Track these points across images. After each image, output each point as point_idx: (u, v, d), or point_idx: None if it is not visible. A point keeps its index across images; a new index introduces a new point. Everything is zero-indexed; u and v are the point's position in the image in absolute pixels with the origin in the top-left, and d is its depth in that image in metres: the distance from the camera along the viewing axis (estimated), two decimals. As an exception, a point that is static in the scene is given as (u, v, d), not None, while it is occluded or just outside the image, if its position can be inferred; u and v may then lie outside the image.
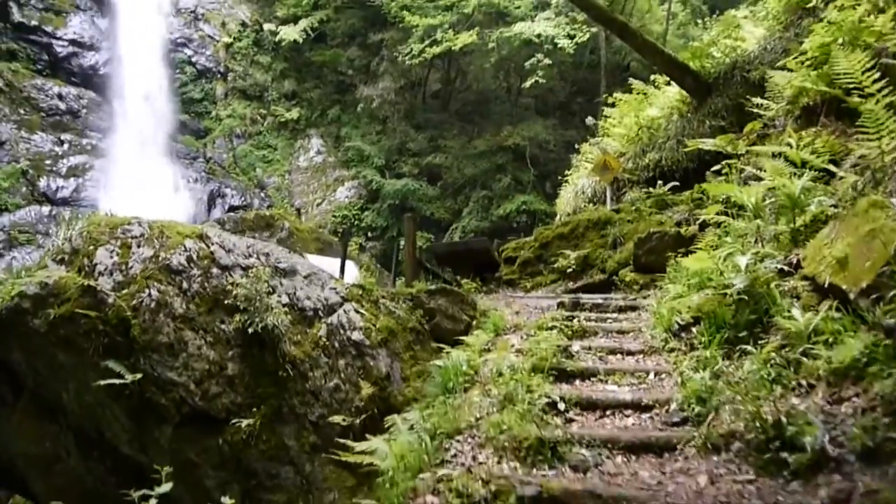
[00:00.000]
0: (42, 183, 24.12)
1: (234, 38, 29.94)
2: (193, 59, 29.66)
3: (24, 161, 23.99)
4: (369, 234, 25.90)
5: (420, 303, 5.94)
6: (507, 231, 23.76)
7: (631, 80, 14.55)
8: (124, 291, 4.89)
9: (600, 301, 6.75)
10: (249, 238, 5.91)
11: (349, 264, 11.94)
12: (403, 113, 27.57)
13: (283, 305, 5.24)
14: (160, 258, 5.08)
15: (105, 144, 26.52)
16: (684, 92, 12.19)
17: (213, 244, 5.37)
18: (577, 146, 15.33)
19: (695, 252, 5.28)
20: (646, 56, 12.66)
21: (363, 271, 12.49)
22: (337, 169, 27.78)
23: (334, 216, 26.33)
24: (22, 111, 25.38)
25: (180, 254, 5.15)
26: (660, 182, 10.29)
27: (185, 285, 5.01)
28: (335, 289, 5.61)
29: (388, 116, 27.65)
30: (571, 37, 20.57)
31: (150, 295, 4.87)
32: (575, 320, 5.62)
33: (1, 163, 23.55)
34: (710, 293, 4.33)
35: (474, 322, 5.93)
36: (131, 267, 4.98)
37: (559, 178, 16.15)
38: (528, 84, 22.05)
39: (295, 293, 5.39)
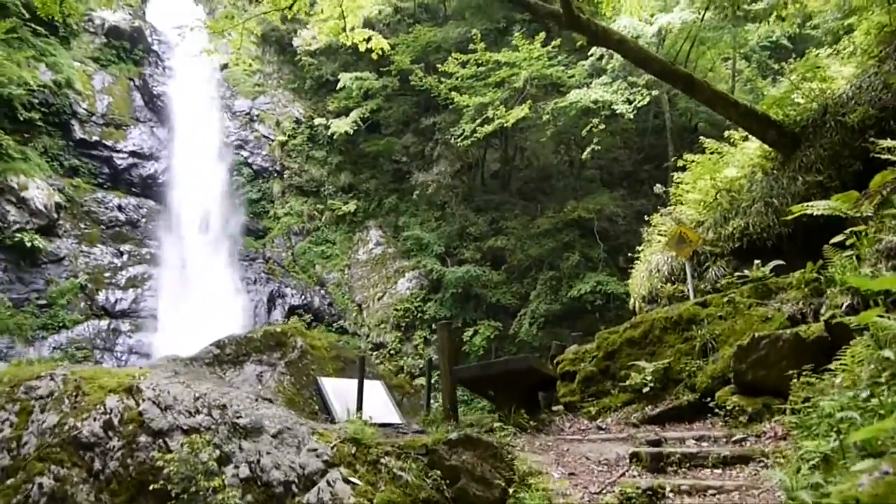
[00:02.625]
0: (101, 296, 23.76)
1: (289, 136, 29.77)
2: (250, 160, 29.55)
3: (83, 275, 23.74)
4: (433, 325, 24.39)
5: (438, 459, 4.36)
6: (581, 313, 21.93)
7: (701, 139, 12.92)
8: (9, 482, 3.54)
9: (692, 445, 4.95)
10: (205, 385, 4.52)
11: (377, 385, 10.41)
12: (462, 196, 26.42)
13: (242, 480, 3.78)
14: (67, 427, 3.75)
15: (164, 253, 26.25)
16: (766, 146, 10.48)
17: (144, 400, 4.01)
18: (647, 217, 13.61)
19: (834, 374, 3.54)
20: (718, 110, 11.04)
21: (396, 392, 10.86)
22: (397, 260, 26.67)
23: (396, 309, 25.03)
24: (83, 225, 25.40)
25: (96, 418, 3.83)
26: (757, 262, 8.08)
27: (97, 464, 3.67)
28: (316, 450, 4.12)
29: (447, 202, 26.54)
30: (630, 101, 19.12)
31: (40, 486, 3.50)
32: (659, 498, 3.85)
33: (60, 279, 23.35)
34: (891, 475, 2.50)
35: (512, 488, 4.28)
36: (25, 443, 3.68)
37: (631, 253, 14.39)
38: (586, 154, 20.57)
39: (259, 461, 3.96)
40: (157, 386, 4.22)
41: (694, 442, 5.11)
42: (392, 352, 24.66)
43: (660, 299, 11.30)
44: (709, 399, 6.30)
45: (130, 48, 29.66)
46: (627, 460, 4.85)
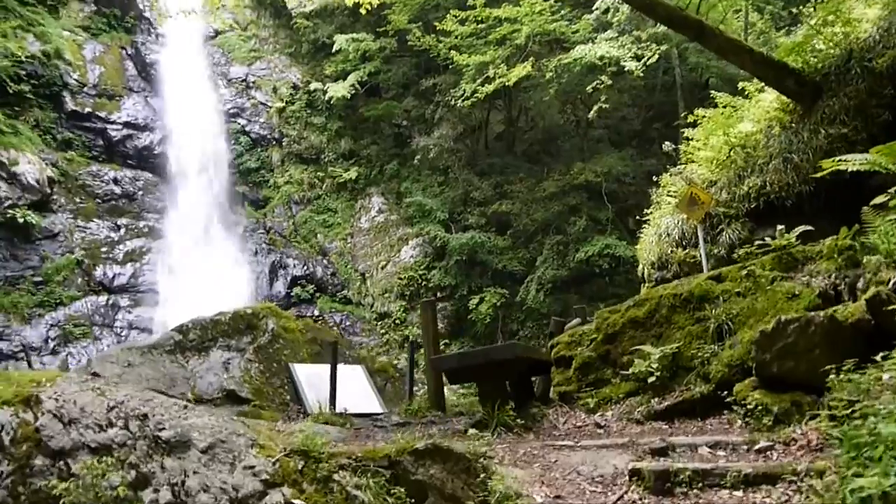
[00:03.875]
0: (98, 272, 23.30)
1: (287, 102, 28.93)
2: (247, 128, 28.78)
3: (80, 251, 23.24)
4: (438, 293, 23.81)
5: (402, 473, 3.72)
6: (590, 277, 21.28)
7: (713, 93, 12.09)
8: None
9: (707, 456, 4.17)
10: (124, 391, 3.89)
11: (357, 370, 9.77)
12: (465, 160, 25.62)
13: (166, 505, 3.16)
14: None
15: (162, 225, 25.71)
16: (784, 98, 9.66)
17: (43, 413, 3.39)
18: (656, 178, 12.83)
19: (882, 368, 2.82)
20: (730, 59, 10.22)
21: (379, 377, 10.17)
22: (400, 227, 26.00)
23: (400, 278, 24.45)
24: (78, 199, 24.84)
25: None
26: (780, 228, 7.06)
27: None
28: (254, 467, 3.49)
29: (450, 166, 25.76)
30: (639, 57, 18.15)
31: None
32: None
33: (56, 255, 22.86)
34: None
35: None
36: None
37: (640, 215, 13.62)
38: (592, 113, 19.67)
39: (183, 483, 3.32)
40: (61, 395, 3.58)
41: (708, 450, 4.33)
42: (397, 321, 24.14)
43: (670, 265, 10.59)
44: (725, 392, 5.39)
45: (122, 15, 28.80)
46: (627, 477, 4.16)
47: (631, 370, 6.42)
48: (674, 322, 6.57)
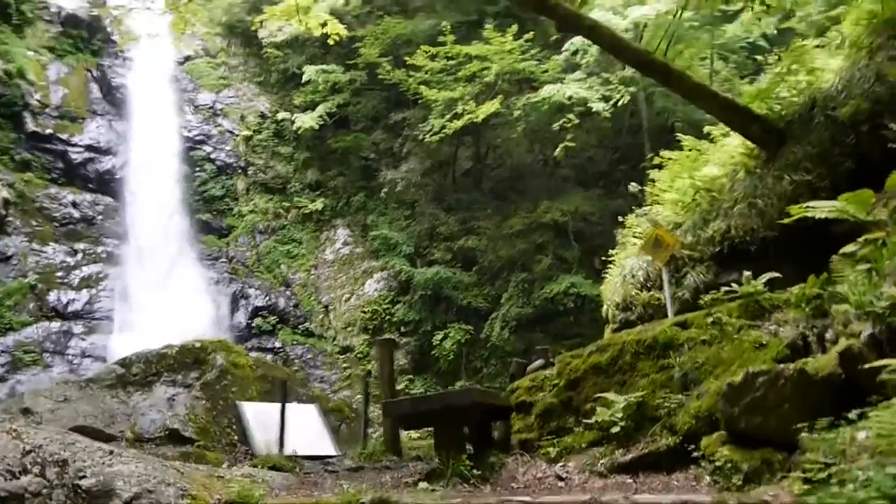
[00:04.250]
0: (52, 297, 22.60)
1: (254, 131, 28.73)
2: (213, 156, 28.44)
3: (33, 275, 22.55)
4: (402, 328, 23.56)
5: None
6: (555, 316, 21.19)
7: (679, 137, 12.17)
8: None
9: None
10: (43, 434, 3.60)
11: (310, 410, 9.43)
12: (432, 195, 25.56)
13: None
14: None
15: (121, 251, 25.13)
16: (749, 143, 9.74)
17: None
18: (622, 219, 12.83)
19: (856, 426, 2.68)
20: (697, 103, 10.32)
21: (334, 417, 9.80)
22: (365, 260, 25.76)
23: (363, 311, 24.15)
24: (34, 222, 24.20)
25: None
26: (747, 274, 6.88)
27: None
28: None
29: (417, 200, 25.68)
30: (607, 99, 18.37)
31: None
32: None
33: (7, 279, 22.15)
34: None
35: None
36: None
37: (606, 255, 13.59)
38: (558, 151, 19.80)
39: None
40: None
41: (676, 510, 4.18)
42: (360, 355, 23.77)
43: (634, 307, 10.52)
44: (692, 446, 5.13)
45: (88, 37, 28.46)
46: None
47: (594, 419, 6.16)
48: (638, 369, 6.35)
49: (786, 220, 6.80)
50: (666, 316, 9.02)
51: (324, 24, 13.43)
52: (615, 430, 5.85)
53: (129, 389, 8.79)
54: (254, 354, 23.47)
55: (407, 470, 6.78)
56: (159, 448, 7.75)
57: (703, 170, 10.66)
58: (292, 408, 8.70)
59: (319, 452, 8.51)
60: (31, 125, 25.53)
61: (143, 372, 9.15)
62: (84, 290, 23.27)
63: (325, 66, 25.83)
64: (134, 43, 25.04)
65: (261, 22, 24.44)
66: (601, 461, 5.62)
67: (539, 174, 25.15)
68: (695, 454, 5.03)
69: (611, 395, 6.14)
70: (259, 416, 8.73)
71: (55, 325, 22.10)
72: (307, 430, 8.82)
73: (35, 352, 21.06)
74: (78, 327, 22.48)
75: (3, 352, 20.48)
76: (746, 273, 6.77)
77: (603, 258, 13.84)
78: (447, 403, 6.89)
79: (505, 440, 7.16)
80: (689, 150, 11.36)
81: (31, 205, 24.40)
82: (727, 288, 6.79)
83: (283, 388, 8.29)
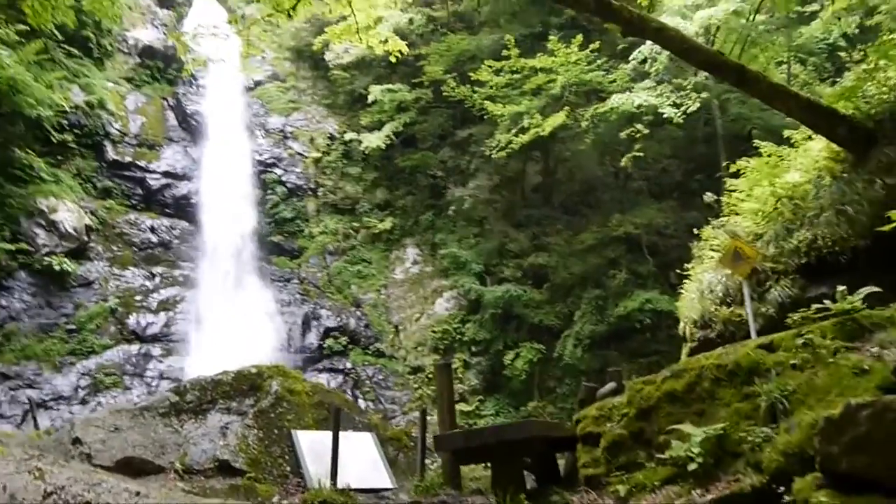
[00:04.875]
0: (131, 320, 23.19)
1: (323, 153, 29.04)
2: (284, 178, 28.87)
3: (114, 299, 23.20)
4: (473, 348, 23.19)
5: None
6: (630, 333, 20.47)
7: (757, 143, 11.47)
8: None
9: None
10: (67, 473, 3.38)
11: (366, 438, 9.00)
12: (501, 212, 25.19)
13: None
14: None
15: (197, 274, 25.66)
16: (835, 146, 9.04)
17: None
18: (697, 231, 12.17)
19: None
20: (775, 105, 9.62)
21: (391, 446, 9.37)
22: (434, 279, 25.54)
23: (433, 331, 23.89)
24: (115, 248, 24.98)
25: None
26: (842, 289, 6.08)
27: None
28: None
29: (485, 217, 25.35)
30: (678, 105, 17.66)
31: None
32: None
33: (90, 303, 22.85)
34: None
35: None
36: None
37: (681, 269, 12.93)
38: (626, 160, 19.17)
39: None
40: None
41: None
42: (430, 376, 23.47)
43: (714, 324, 9.87)
44: (781, 487, 4.40)
45: (164, 67, 29.38)
46: None
47: (668, 453, 5.46)
48: (718, 397, 5.63)
49: (884, 228, 6.15)
50: (748, 334, 8.39)
51: (385, 42, 13.31)
52: (692, 466, 5.20)
53: (183, 418, 8.62)
54: (324, 376, 23.61)
55: (465, 507, 6.35)
56: (208, 481, 7.54)
57: (784, 176, 9.96)
58: (348, 436, 8.39)
59: (374, 485, 8.13)
60: (111, 154, 26.45)
61: (198, 399, 8.96)
62: (162, 313, 23.79)
63: (390, 86, 25.90)
64: (203, 68, 25.83)
65: (326, 45, 24.79)
66: (677, 501, 4.96)
67: (610, 187, 24.50)
68: (785, 498, 4.33)
69: (687, 427, 5.46)
70: (314, 446, 8.39)
71: (134, 347, 22.64)
72: (362, 461, 8.45)
73: (115, 374, 21.60)
74: (156, 350, 22.97)
75: (85, 374, 21.06)
76: (840, 287, 5.99)
77: (679, 272, 13.19)
78: (503, 438, 6.30)
79: (571, 475, 6.56)
80: (769, 156, 10.66)
81: (111, 231, 25.21)
82: (818, 305, 6.03)
83: (336, 416, 7.86)
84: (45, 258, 22.02)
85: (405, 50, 12.48)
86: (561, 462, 6.99)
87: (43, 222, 22.53)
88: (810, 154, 9.80)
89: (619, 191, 24.06)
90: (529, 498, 5.78)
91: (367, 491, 7.97)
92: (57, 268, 21.97)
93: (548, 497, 5.90)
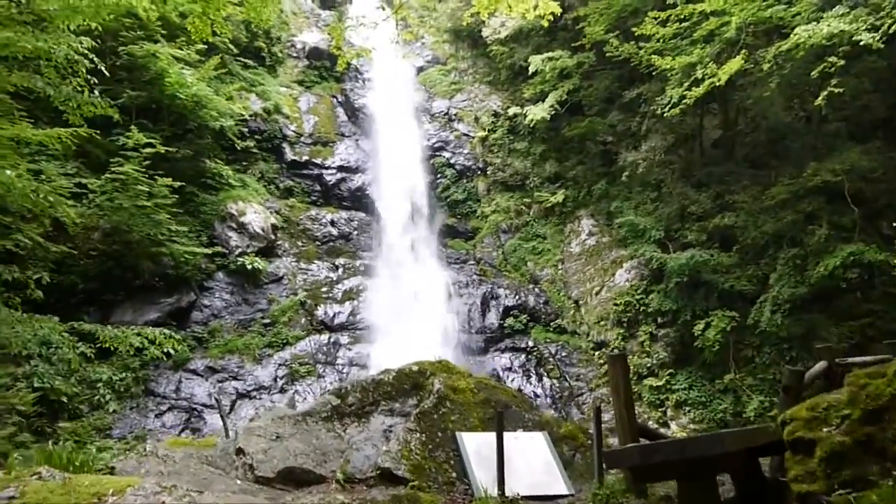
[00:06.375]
0: (320, 311, 24.23)
1: (489, 131, 28.75)
2: (452, 161, 29.00)
3: (302, 292, 24.38)
4: (658, 319, 21.95)
5: None
6: (836, 294, 18.35)
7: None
8: None
9: None
10: (210, 497, 3.11)
11: (537, 439, 8.18)
12: (679, 173, 23.54)
13: None
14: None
15: (377, 263, 26.40)
16: None
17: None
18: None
19: None
20: None
21: (566, 445, 8.43)
22: (613, 249, 24.46)
23: (615, 304, 22.88)
24: (300, 243, 26.26)
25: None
26: None
27: None
28: None
29: (662, 180, 23.82)
30: (876, 27, 15.27)
31: None
32: None
33: (281, 298, 24.16)
34: None
35: None
36: None
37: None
38: (820, 100, 16.96)
39: None
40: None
41: None
42: (616, 350, 22.54)
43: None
44: None
45: (331, 66, 30.38)
46: None
47: None
48: None
49: None
50: None
51: (535, 7, 12.59)
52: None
53: (345, 422, 8.43)
54: (506, 355, 23.43)
55: (652, 522, 5.48)
56: (370, 490, 7.25)
57: None
58: (516, 437, 7.82)
59: (547, 492, 7.40)
60: (289, 154, 27.82)
61: (360, 402, 8.71)
62: (347, 303, 24.65)
63: (550, 54, 25.00)
64: (367, 60, 26.36)
65: (481, 22, 24.33)
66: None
67: (801, 133, 22.08)
68: None
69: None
70: (481, 449, 7.76)
71: (324, 337, 23.63)
72: (534, 464, 7.75)
73: (309, 363, 22.65)
74: (344, 338, 23.84)
75: (281, 365, 22.27)
76: None
77: (893, 224, 11.44)
78: (689, 455, 5.07)
79: (779, 488, 5.34)
80: None
81: (295, 227, 26.52)
82: None
83: (500, 419, 7.19)
84: (239, 259, 23.53)
85: (557, 10, 11.67)
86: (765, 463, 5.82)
87: (234, 225, 24.06)
88: None
89: (812, 136, 21.60)
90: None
91: (540, 499, 7.33)
92: (249, 267, 23.38)
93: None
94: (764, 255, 20.17)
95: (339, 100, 30.19)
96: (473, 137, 28.96)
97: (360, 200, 27.96)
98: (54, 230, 17.94)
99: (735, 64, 17.74)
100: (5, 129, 13.86)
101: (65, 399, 16.53)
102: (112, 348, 16.76)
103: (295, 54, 30.73)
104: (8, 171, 9.08)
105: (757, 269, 20.19)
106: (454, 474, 7.81)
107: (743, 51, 18.34)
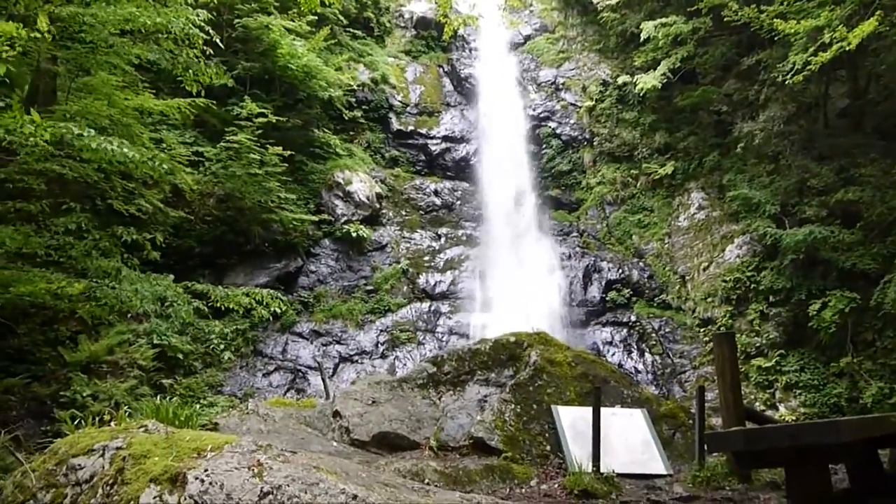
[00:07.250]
0: (421, 280, 24.53)
1: (596, 100, 28.04)
2: (558, 131, 28.53)
3: (405, 260, 24.74)
4: (770, 298, 20.96)
5: None
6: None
7: None
8: None
9: None
10: (287, 469, 3.16)
11: (636, 416, 7.88)
12: (799, 144, 22.20)
13: None
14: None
15: (479, 233, 26.44)
16: None
17: (186, 498, 2.86)
18: None
19: None
20: None
21: (666, 424, 8.06)
22: (723, 224, 23.46)
23: (724, 280, 21.99)
24: (403, 212, 26.60)
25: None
26: None
27: None
28: None
29: (780, 151, 22.54)
30: None
31: None
32: None
33: (384, 265, 24.62)
34: None
35: None
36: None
37: None
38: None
39: None
40: (210, 475, 3.05)
41: None
42: (723, 328, 21.75)
43: None
44: None
45: (438, 36, 30.32)
46: None
47: None
48: None
49: None
50: None
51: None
52: None
53: (440, 390, 8.47)
54: (608, 329, 23.06)
55: (756, 506, 5.16)
56: (463, 459, 7.27)
57: None
58: (615, 414, 7.64)
59: (644, 470, 7.22)
60: (395, 124, 28.11)
61: (455, 370, 8.72)
62: (448, 272, 24.83)
63: (664, 20, 23.96)
64: (474, 29, 26.17)
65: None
66: None
67: (941, 102, 20.40)
68: None
69: None
70: (577, 424, 7.63)
71: (425, 305, 23.92)
72: (631, 442, 7.54)
73: (409, 331, 23.01)
74: (444, 307, 24.05)
75: (383, 331, 22.75)
76: None
77: None
78: (799, 443, 4.54)
79: None
80: None
81: (399, 197, 26.87)
82: None
83: (597, 395, 7.01)
84: (344, 226, 24.07)
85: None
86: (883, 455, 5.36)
87: (340, 193, 24.61)
88: None
89: (953, 106, 19.92)
90: (837, 509, 4.32)
91: (637, 477, 7.16)
92: (354, 234, 23.89)
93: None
94: (891, 233, 18.86)
95: (446, 69, 30.16)
96: (580, 107, 28.33)
97: (463, 170, 27.98)
98: (174, 196, 18.93)
99: (868, 26, 16.45)
100: (130, 99, 14.65)
101: (180, 356, 17.48)
102: (223, 307, 17.58)
103: (403, 24, 30.87)
104: (130, 153, 9.58)
105: (883, 248, 18.90)
106: (548, 447, 7.74)
107: (878, 12, 16.99)
